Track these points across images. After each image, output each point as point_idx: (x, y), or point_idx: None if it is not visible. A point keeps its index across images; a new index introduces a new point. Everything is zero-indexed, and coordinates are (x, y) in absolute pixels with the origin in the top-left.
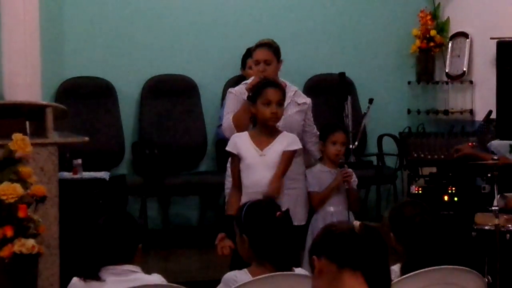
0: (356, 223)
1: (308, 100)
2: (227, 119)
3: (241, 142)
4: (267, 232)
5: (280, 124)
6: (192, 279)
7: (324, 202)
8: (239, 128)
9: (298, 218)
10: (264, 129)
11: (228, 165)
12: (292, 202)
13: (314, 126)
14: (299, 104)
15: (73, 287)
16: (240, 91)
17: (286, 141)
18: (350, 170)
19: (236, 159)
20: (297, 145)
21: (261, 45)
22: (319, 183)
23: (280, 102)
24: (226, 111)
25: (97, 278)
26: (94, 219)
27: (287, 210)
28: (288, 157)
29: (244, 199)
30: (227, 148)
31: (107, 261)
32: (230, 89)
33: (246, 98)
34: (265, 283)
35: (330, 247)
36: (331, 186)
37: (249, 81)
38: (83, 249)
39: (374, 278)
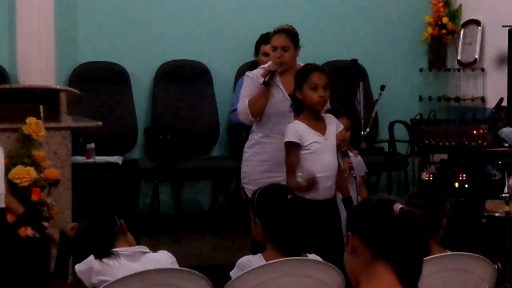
0: (397, 206)
1: None
2: (243, 103)
3: (302, 131)
4: (279, 215)
5: None
6: (204, 263)
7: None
8: (254, 113)
9: None
10: (313, 114)
11: (246, 150)
12: None
13: None
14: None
15: (90, 264)
16: (257, 75)
17: (334, 123)
18: (354, 157)
19: (296, 148)
20: (341, 125)
21: (279, 31)
22: None
23: (326, 86)
24: (242, 95)
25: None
26: (106, 203)
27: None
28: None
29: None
30: (289, 139)
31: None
32: (247, 73)
33: (261, 84)
34: (278, 267)
35: (366, 229)
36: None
37: (266, 65)
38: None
39: (406, 270)
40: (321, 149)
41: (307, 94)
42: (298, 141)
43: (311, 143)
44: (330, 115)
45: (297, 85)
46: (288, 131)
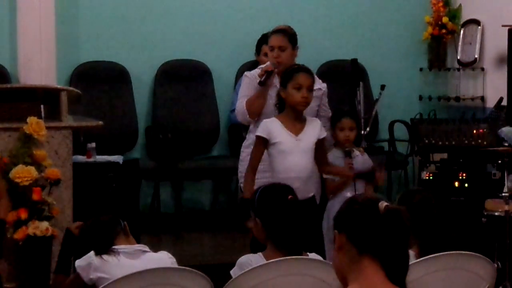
0: (382, 204)
1: (324, 86)
2: (240, 103)
3: (274, 127)
4: (278, 214)
5: None
6: (205, 263)
7: (339, 191)
8: (252, 113)
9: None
10: (294, 114)
11: (243, 149)
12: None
13: (330, 111)
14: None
15: (89, 260)
16: (255, 75)
17: (318, 128)
18: (360, 155)
19: (263, 143)
20: (325, 132)
21: (276, 31)
22: None
23: (310, 88)
24: (240, 95)
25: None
26: (107, 202)
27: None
28: (324, 145)
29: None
30: (257, 133)
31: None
32: (245, 73)
33: (257, 84)
34: (278, 266)
35: (352, 227)
36: (342, 180)
37: (264, 66)
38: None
39: (392, 266)
40: (290, 149)
41: (290, 93)
42: (266, 137)
43: (279, 141)
44: (316, 119)
45: (282, 83)
46: (260, 125)
